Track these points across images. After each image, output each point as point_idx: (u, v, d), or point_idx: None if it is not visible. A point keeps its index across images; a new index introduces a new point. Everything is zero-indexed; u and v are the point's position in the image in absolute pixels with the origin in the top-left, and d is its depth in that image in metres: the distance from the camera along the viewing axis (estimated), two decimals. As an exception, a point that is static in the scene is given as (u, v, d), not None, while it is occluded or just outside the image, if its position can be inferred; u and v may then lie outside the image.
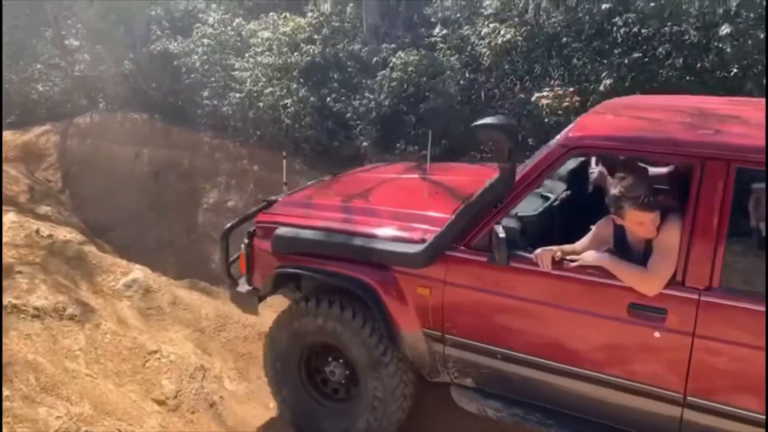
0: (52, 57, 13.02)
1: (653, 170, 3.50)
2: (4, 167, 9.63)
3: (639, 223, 2.84)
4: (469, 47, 7.94)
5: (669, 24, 5.99)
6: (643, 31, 6.20)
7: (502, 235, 3.02)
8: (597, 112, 3.55)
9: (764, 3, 5.46)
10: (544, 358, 3.17)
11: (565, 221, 3.56)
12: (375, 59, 8.74)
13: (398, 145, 7.92)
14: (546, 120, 6.55)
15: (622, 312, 2.90)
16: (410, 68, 7.85)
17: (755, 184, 2.72)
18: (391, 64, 8.04)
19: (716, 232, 2.70)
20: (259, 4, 11.37)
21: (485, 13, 7.65)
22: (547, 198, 3.62)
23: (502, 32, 7.26)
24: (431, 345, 3.49)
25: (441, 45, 8.15)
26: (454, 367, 3.51)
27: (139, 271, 5.69)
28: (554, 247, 3.04)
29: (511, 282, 3.17)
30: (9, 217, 5.91)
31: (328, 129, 8.60)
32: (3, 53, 11.34)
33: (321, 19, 9.81)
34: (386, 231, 3.54)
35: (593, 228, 3.13)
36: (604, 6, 6.41)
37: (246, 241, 4.03)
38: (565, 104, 6.53)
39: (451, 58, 7.93)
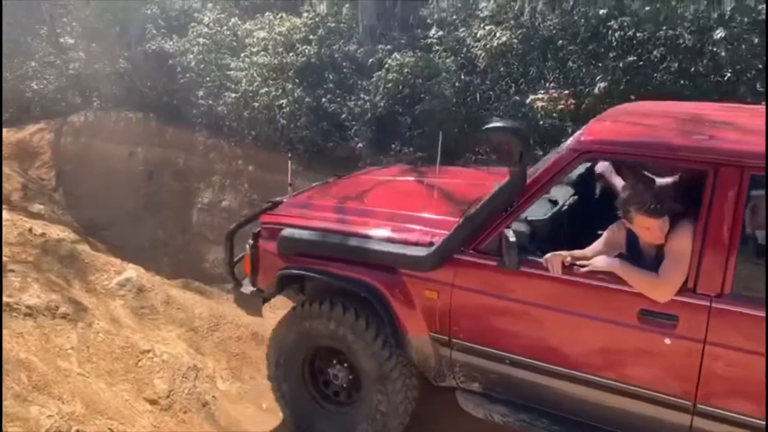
0: (47, 55, 13.00)
1: (659, 181, 3.51)
2: (-2, 165, 9.60)
3: (646, 228, 2.83)
4: (465, 49, 7.95)
5: (664, 28, 6.02)
6: (638, 34, 6.23)
7: (512, 239, 2.99)
8: (606, 118, 3.53)
9: (759, 8, 5.49)
10: (553, 363, 3.15)
11: (573, 226, 3.54)
12: (371, 60, 8.74)
13: (393, 146, 7.92)
14: (541, 122, 6.56)
15: (632, 318, 2.88)
16: (406, 70, 7.85)
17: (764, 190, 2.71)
18: (386, 66, 8.04)
19: (728, 238, 2.68)
20: (255, 4, 11.35)
21: (481, 15, 7.67)
22: (554, 202, 3.59)
23: (497, 35, 7.28)
24: (438, 349, 3.47)
25: (437, 47, 8.16)
26: (461, 371, 3.48)
27: (132, 271, 5.67)
28: (564, 252, 3.02)
29: (520, 286, 3.15)
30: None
31: (323, 130, 8.60)
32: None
33: (317, 19, 9.80)
34: (394, 233, 3.52)
35: (605, 232, 3.11)
36: (600, 10, 6.43)
37: (251, 241, 4.00)
38: (560, 107, 6.55)
39: (447, 60, 7.94)
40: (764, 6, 5.46)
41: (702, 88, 5.94)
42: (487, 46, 7.35)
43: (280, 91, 8.92)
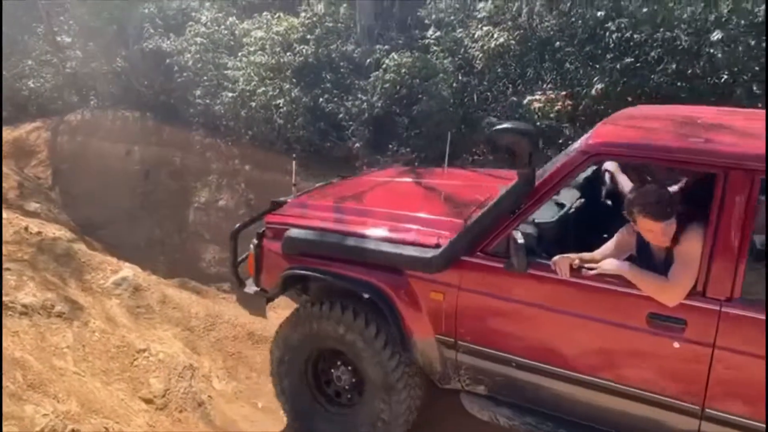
0: (44, 53, 12.95)
1: (667, 184, 3.50)
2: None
3: (649, 230, 2.83)
4: (463, 50, 7.95)
5: (661, 30, 6.03)
6: (635, 36, 6.23)
7: (521, 241, 2.98)
8: (614, 121, 3.52)
9: (755, 10, 5.51)
10: (559, 366, 3.14)
11: (580, 229, 3.54)
12: (368, 60, 8.74)
13: (390, 146, 7.92)
14: (538, 123, 6.57)
15: (641, 322, 2.87)
16: (403, 70, 7.85)
17: None
18: (384, 66, 8.04)
19: (738, 242, 2.68)
20: (253, 4, 11.33)
21: (479, 16, 7.68)
22: (561, 205, 3.59)
23: (495, 36, 7.28)
24: (443, 351, 3.46)
25: (434, 47, 8.16)
26: (466, 374, 3.47)
27: (128, 270, 5.67)
28: (572, 255, 3.01)
29: (527, 289, 3.13)
30: (-3, 214, 5.88)
31: (321, 129, 8.59)
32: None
33: (314, 19, 9.79)
34: (400, 235, 3.51)
35: (616, 235, 3.10)
36: (597, 12, 6.45)
37: (255, 241, 4.00)
38: (557, 108, 6.56)
39: (445, 61, 7.94)
40: (761, 8, 5.48)
41: (699, 90, 5.95)
42: (485, 47, 7.35)
43: (278, 90, 8.91)
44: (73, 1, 12.52)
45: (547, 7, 7.08)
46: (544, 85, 6.95)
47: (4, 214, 5.93)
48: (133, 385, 4.21)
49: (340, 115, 8.47)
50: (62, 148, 11.35)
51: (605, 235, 3.28)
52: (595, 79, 6.31)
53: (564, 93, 6.66)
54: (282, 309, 4.27)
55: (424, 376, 3.73)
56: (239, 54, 9.86)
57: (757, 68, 5.58)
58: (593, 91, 6.29)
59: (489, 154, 7.21)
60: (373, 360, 3.60)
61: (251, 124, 9.23)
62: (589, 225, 3.56)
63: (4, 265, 4.71)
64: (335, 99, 8.68)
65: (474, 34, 7.61)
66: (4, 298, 4.23)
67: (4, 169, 9.92)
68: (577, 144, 3.25)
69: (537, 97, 6.73)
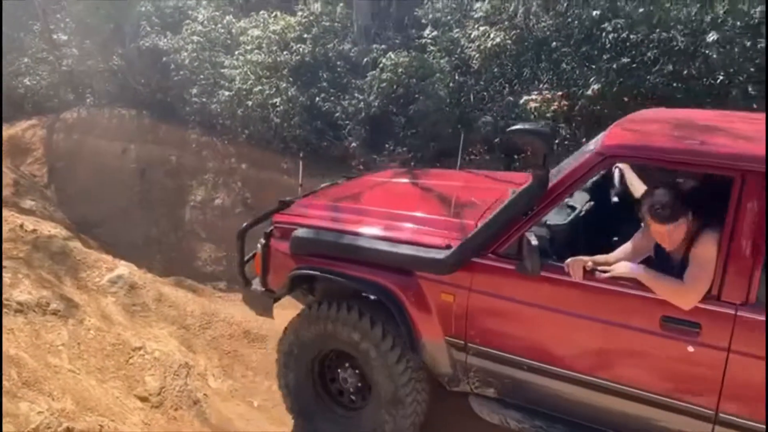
0: (40, 51, 12.93)
1: (681, 186, 3.49)
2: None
3: (656, 232, 2.84)
4: (459, 50, 7.97)
5: (657, 30, 6.04)
6: (631, 36, 6.25)
7: (534, 242, 2.95)
8: (627, 123, 3.49)
9: (751, 12, 5.52)
10: (571, 369, 3.12)
11: (590, 231, 3.53)
12: (365, 60, 8.75)
13: (387, 146, 7.93)
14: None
15: (654, 325, 2.85)
16: (400, 69, 7.86)
17: None
18: (381, 65, 8.05)
19: (754, 246, 2.66)
20: (250, 2, 11.33)
21: (475, 16, 7.69)
22: (571, 207, 3.57)
23: (491, 35, 7.29)
24: (453, 353, 3.44)
25: (431, 47, 8.17)
26: (476, 376, 3.45)
27: (124, 268, 5.66)
28: (585, 257, 2.99)
29: (539, 291, 3.11)
30: (-7, 211, 5.87)
31: (317, 129, 8.60)
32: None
33: (311, 18, 9.80)
34: (411, 235, 3.48)
35: (634, 237, 3.08)
36: (593, 12, 6.46)
37: (262, 241, 3.97)
38: (553, 108, 6.57)
39: (441, 61, 7.95)
40: (756, 10, 5.50)
41: (695, 91, 5.97)
42: (481, 47, 7.36)
43: (274, 89, 8.91)
44: (70, -1, 12.51)
45: (543, 8, 7.09)
46: (541, 85, 6.97)
47: (0, 212, 5.93)
48: (128, 383, 4.20)
49: (337, 114, 8.48)
50: (58, 146, 11.32)
51: (615, 238, 3.28)
52: (592, 79, 6.33)
53: (560, 93, 6.68)
54: (283, 308, 4.25)
55: (431, 384, 3.72)
56: (236, 52, 9.86)
57: (752, 69, 5.59)
58: (589, 91, 6.31)
59: (485, 153, 7.23)
60: (384, 372, 3.58)
61: (248, 123, 9.23)
62: (599, 227, 3.54)
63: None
64: (332, 98, 8.69)
65: (471, 34, 7.62)
66: (-1, 296, 4.22)
67: (0, 167, 9.90)
68: (592, 146, 3.23)
69: (533, 97, 6.74)
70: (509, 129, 3.16)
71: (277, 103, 8.74)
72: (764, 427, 2.71)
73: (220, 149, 9.73)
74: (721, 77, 5.71)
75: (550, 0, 7.08)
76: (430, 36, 8.24)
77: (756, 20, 5.51)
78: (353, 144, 8.19)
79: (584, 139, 6.24)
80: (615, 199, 3.87)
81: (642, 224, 2.99)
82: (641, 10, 6.10)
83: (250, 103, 9.03)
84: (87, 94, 12.07)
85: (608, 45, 6.42)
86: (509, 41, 7.27)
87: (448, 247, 3.29)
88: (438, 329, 3.41)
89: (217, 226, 9.08)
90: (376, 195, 4.33)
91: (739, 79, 5.68)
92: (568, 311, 3.06)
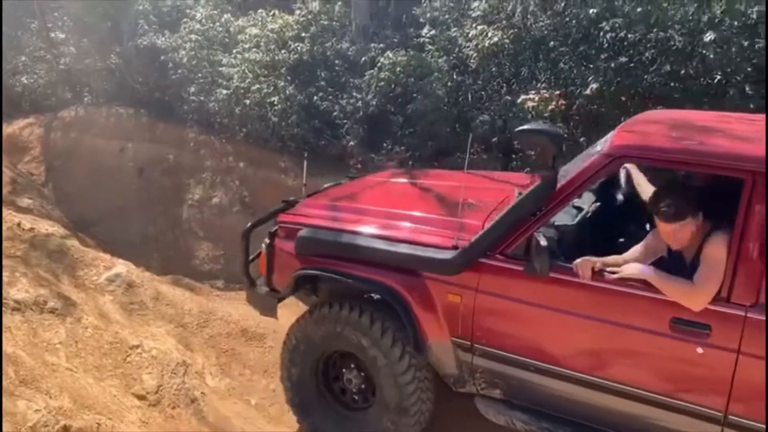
0: (38, 49, 12.90)
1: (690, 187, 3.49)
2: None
3: (663, 231, 2.84)
4: (457, 49, 7.97)
5: (655, 30, 6.05)
6: (629, 36, 6.26)
7: (544, 243, 2.94)
8: (635, 124, 3.48)
9: (748, 12, 5.53)
10: (579, 371, 3.11)
11: (597, 232, 3.52)
12: (363, 59, 8.74)
13: (384, 145, 7.93)
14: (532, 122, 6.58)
15: (663, 326, 2.85)
16: (398, 68, 7.85)
17: None
18: (379, 64, 8.04)
19: (764, 247, 2.66)
20: (248, 1, 11.31)
21: (473, 15, 7.68)
22: (578, 208, 3.57)
23: (489, 35, 7.29)
24: (459, 354, 3.43)
25: (429, 46, 8.17)
26: (482, 377, 3.45)
27: (122, 266, 5.67)
28: (594, 258, 2.99)
29: (548, 292, 3.11)
30: (-10, 210, 5.86)
31: (315, 127, 8.59)
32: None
33: (309, 17, 9.78)
34: (417, 236, 3.48)
35: (647, 237, 3.08)
36: (591, 11, 6.46)
37: (267, 241, 3.96)
38: (551, 107, 6.57)
39: (439, 60, 7.95)
40: (753, 10, 5.50)
41: (692, 91, 5.97)
42: (479, 46, 7.37)
43: (272, 88, 8.90)
44: (67, -3, 12.48)
45: (541, 7, 7.09)
46: (538, 85, 6.97)
47: (-3, 210, 5.93)
48: (125, 381, 4.20)
49: (335, 113, 8.48)
50: (55, 144, 11.30)
51: (622, 239, 3.28)
52: (590, 78, 6.34)
53: (558, 92, 6.68)
54: (285, 308, 4.25)
55: (437, 389, 3.72)
56: (234, 51, 9.85)
57: (749, 69, 5.61)
58: (588, 91, 6.31)
59: (483, 153, 7.23)
60: (391, 381, 3.58)
61: (245, 122, 9.23)
62: (606, 228, 3.54)
63: (-3, 261, 4.71)
64: (330, 97, 8.69)
65: (468, 33, 7.62)
66: (-3, 294, 4.22)
67: (-3, 166, 9.89)
68: (599, 146, 3.22)
69: (531, 96, 6.74)
70: (518, 129, 3.14)
71: (275, 102, 8.74)
72: None
73: (218, 148, 9.72)
74: (718, 77, 5.72)
75: (547, -1, 7.09)
76: (428, 35, 8.24)
77: (753, 20, 5.52)
78: (351, 143, 8.19)
79: (582, 139, 6.26)
80: (621, 199, 3.86)
81: (651, 225, 2.98)
82: (639, 9, 6.10)
83: (247, 101, 9.02)
84: (84, 92, 12.05)
85: (606, 44, 6.43)
86: (507, 40, 7.27)
87: (455, 247, 3.29)
88: (444, 330, 3.41)
89: (214, 225, 9.08)
90: (381, 195, 4.32)
91: (737, 78, 5.69)
92: (576, 312, 3.05)
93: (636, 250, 3.09)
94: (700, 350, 2.78)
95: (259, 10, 10.29)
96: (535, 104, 6.62)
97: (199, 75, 10.00)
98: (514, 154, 7.05)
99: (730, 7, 5.61)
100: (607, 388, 3.06)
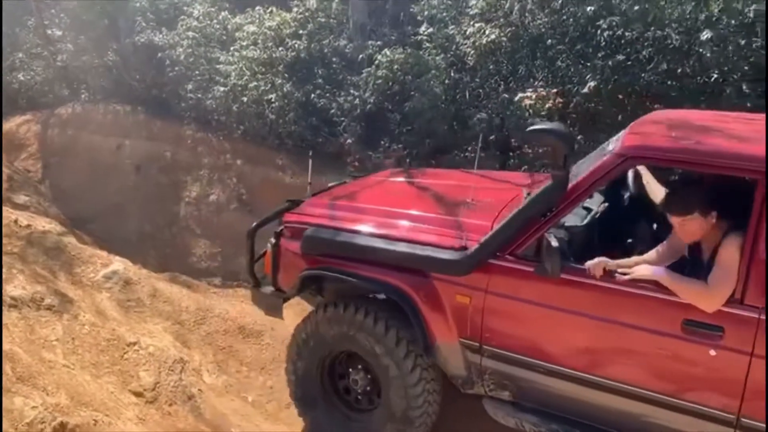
0: (35, 46, 12.86)
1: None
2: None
3: (673, 224, 2.84)
4: (455, 46, 7.96)
5: (652, 28, 6.04)
6: (626, 34, 6.25)
7: (555, 244, 2.92)
8: (645, 124, 3.46)
9: (745, 10, 5.53)
10: (589, 373, 3.10)
11: (606, 233, 3.51)
12: (360, 56, 8.74)
13: (382, 142, 7.93)
14: (529, 121, 6.58)
15: (676, 328, 2.83)
16: (395, 66, 7.85)
17: None
18: (376, 62, 8.04)
19: None
20: (245, -2, 11.31)
21: (471, 12, 7.68)
22: (586, 209, 3.55)
23: (487, 32, 7.29)
24: (467, 355, 3.42)
25: (427, 44, 8.17)
26: (491, 379, 3.43)
27: (119, 263, 5.67)
28: (608, 260, 2.98)
29: (558, 293, 3.09)
30: (-14, 207, 5.86)
31: (312, 125, 8.59)
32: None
33: (307, 14, 9.77)
34: (426, 236, 3.45)
35: (668, 237, 3.07)
36: (588, 9, 6.46)
37: (273, 240, 3.95)
38: (548, 105, 6.57)
39: (437, 57, 7.95)
40: (751, 8, 5.50)
41: (689, 89, 5.98)
42: (477, 44, 7.36)
43: (270, 85, 8.90)
44: (64, -6, 12.44)
45: (538, 5, 7.08)
46: (536, 83, 6.97)
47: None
48: (122, 378, 4.21)
49: (332, 111, 8.47)
50: (52, 141, 11.28)
51: (630, 240, 3.26)
52: (587, 76, 6.33)
53: (555, 90, 6.68)
54: (286, 308, 4.24)
55: (443, 397, 3.71)
56: (231, 48, 9.84)
57: (746, 68, 5.61)
58: (585, 89, 6.31)
59: (480, 151, 7.23)
60: (400, 392, 3.57)
61: (243, 119, 9.22)
62: (615, 229, 3.52)
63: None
64: (327, 94, 8.68)
65: (466, 31, 7.61)
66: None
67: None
68: (611, 146, 3.20)
69: (528, 94, 6.73)
70: (529, 129, 3.12)
71: (273, 100, 8.73)
72: None
73: (215, 145, 9.72)
74: (715, 75, 5.72)
75: (545, -3, 7.08)
76: (425, 33, 8.23)
77: (750, 19, 5.52)
78: (348, 141, 8.19)
79: (580, 137, 6.26)
80: (629, 199, 3.84)
81: (659, 226, 2.97)
82: (636, 7, 6.10)
83: (245, 99, 9.01)
84: (82, 89, 12.02)
85: (603, 43, 6.42)
86: (504, 38, 7.27)
87: (463, 248, 3.27)
88: (453, 331, 3.39)
89: (212, 222, 9.07)
90: (387, 195, 4.30)
91: (734, 77, 5.69)
92: (587, 314, 3.04)
93: (654, 252, 3.08)
94: (712, 352, 2.77)
95: (257, 8, 10.27)
96: (532, 102, 6.62)
97: (197, 72, 9.99)
98: (511, 152, 7.05)
99: (727, 5, 5.61)
100: (616, 390, 3.05)
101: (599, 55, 6.41)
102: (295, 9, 9.88)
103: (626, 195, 3.86)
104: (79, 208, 9.81)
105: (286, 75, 9.08)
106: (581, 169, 3.28)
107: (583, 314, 3.05)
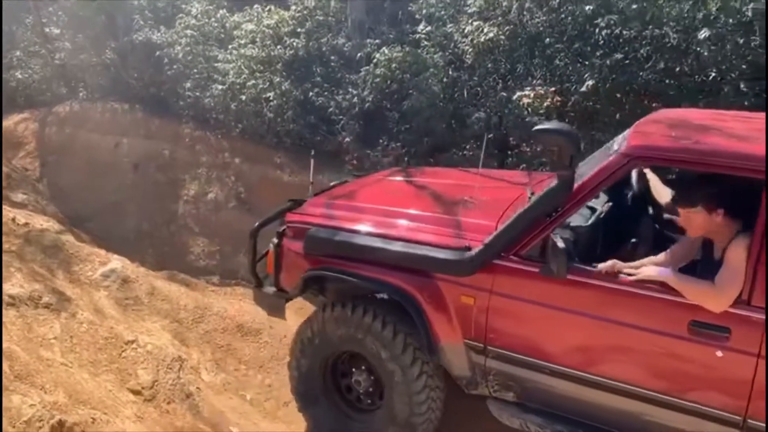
0: (32, 44, 12.86)
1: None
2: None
3: (681, 216, 2.85)
4: (453, 45, 7.96)
5: (650, 27, 6.04)
6: (624, 32, 6.25)
7: (561, 245, 2.90)
8: (650, 123, 3.43)
9: (743, 9, 5.53)
10: (595, 374, 3.08)
11: (610, 233, 3.49)
12: (359, 54, 8.74)
13: (380, 141, 7.93)
14: (527, 119, 6.59)
15: (682, 329, 2.82)
16: (394, 65, 7.85)
17: None
18: (374, 60, 8.04)
19: None
20: (243, -4, 11.30)
21: (469, 11, 7.67)
22: (590, 208, 3.52)
23: (485, 30, 7.28)
24: (472, 356, 3.40)
25: (425, 42, 8.17)
26: (495, 380, 3.41)
27: (117, 262, 5.66)
28: (617, 261, 2.97)
29: (563, 294, 3.07)
30: (-16, 205, 5.85)
31: (311, 123, 8.60)
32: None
33: (305, 12, 9.76)
34: (429, 237, 3.43)
35: (682, 239, 3.06)
36: (586, 8, 6.46)
37: (275, 240, 3.93)
38: (547, 104, 6.57)
39: (435, 56, 7.95)
40: (749, 7, 5.50)
41: (687, 88, 5.98)
42: (475, 42, 7.36)
43: (268, 84, 8.90)
44: (62, -8, 12.43)
45: (537, 3, 7.08)
46: (534, 81, 6.97)
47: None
48: (121, 377, 4.20)
49: (330, 109, 8.48)
50: (50, 139, 11.28)
51: (634, 239, 3.26)
52: (585, 75, 6.33)
53: (553, 89, 6.68)
54: (287, 306, 4.23)
55: (446, 393, 3.71)
56: (229, 47, 9.84)
57: (744, 66, 5.61)
58: (583, 88, 6.31)
59: (478, 149, 7.24)
60: (404, 398, 3.56)
61: (241, 117, 9.22)
62: (618, 228, 3.51)
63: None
64: (325, 93, 8.68)
65: (464, 29, 7.61)
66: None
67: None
68: (616, 146, 3.19)
69: (526, 92, 6.73)
70: (535, 128, 3.09)
71: (271, 98, 8.73)
72: None
73: (214, 143, 9.72)
74: (713, 74, 5.72)
75: (543, -4, 7.08)
76: (423, 31, 8.23)
77: (748, 17, 5.53)
78: (347, 139, 8.19)
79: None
80: (632, 198, 3.82)
81: (662, 226, 2.96)
82: (634, 6, 6.09)
83: (243, 97, 9.01)
84: (80, 87, 12.02)
85: (601, 41, 6.42)
86: (502, 36, 7.26)
87: (467, 248, 3.25)
88: (457, 332, 3.37)
89: (210, 221, 9.07)
90: (389, 194, 4.27)
91: (731, 76, 5.70)
92: (593, 314, 3.02)
93: (667, 253, 3.08)
94: (719, 353, 2.76)
95: (255, 6, 10.27)
96: (530, 101, 6.62)
97: (195, 71, 9.99)
98: (509, 150, 7.05)
99: (725, 4, 5.61)
100: (621, 391, 3.04)
101: (597, 53, 6.41)
102: (293, 7, 9.87)
103: (629, 193, 3.84)
104: (77, 206, 9.81)
105: (285, 73, 9.08)
106: (584, 169, 3.27)
107: (588, 315, 3.03)
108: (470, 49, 7.49)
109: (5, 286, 4.34)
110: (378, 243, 3.49)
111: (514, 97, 6.81)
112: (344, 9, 9.81)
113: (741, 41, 5.56)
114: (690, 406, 2.89)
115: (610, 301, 2.98)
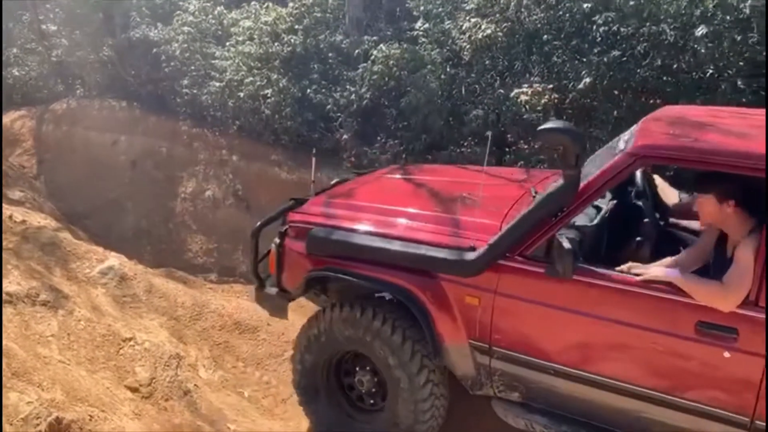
0: (29, 41, 12.84)
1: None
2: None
3: (698, 204, 2.88)
4: (451, 42, 7.96)
5: (647, 24, 6.05)
6: (622, 30, 6.26)
7: (567, 246, 2.88)
8: (655, 121, 3.41)
9: (740, 6, 5.54)
10: (601, 374, 3.07)
11: (614, 233, 3.48)
12: (356, 51, 8.73)
13: (378, 138, 7.93)
14: (525, 116, 6.59)
15: (689, 330, 2.81)
16: (391, 62, 7.84)
17: None
18: (372, 57, 8.03)
19: None
20: (241, -7, 11.28)
21: (467, 8, 7.67)
22: (595, 207, 3.52)
23: (483, 27, 7.28)
24: (476, 357, 3.39)
25: (423, 39, 8.16)
26: (500, 380, 3.40)
27: (114, 259, 5.66)
28: (635, 264, 2.97)
29: (569, 294, 3.06)
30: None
31: (308, 120, 8.58)
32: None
33: (303, 9, 9.74)
34: (433, 236, 3.41)
35: (699, 239, 3.06)
36: (584, 5, 6.46)
37: (277, 240, 3.90)
38: (544, 101, 6.57)
39: (433, 53, 7.94)
40: (746, 4, 5.51)
41: (684, 85, 5.99)
42: (472, 39, 7.35)
43: (265, 81, 8.88)
44: (59, -11, 12.40)
45: (534, 0, 7.08)
46: (532, 78, 6.96)
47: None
48: (118, 374, 4.20)
49: (328, 106, 8.46)
50: (47, 137, 11.26)
51: (638, 239, 3.26)
52: (583, 72, 6.34)
53: (551, 86, 6.68)
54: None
55: (450, 394, 3.70)
56: (227, 44, 9.82)
57: (742, 63, 5.62)
58: (581, 85, 6.31)
59: (476, 146, 7.24)
60: (409, 406, 3.55)
61: (238, 115, 9.21)
62: (623, 226, 3.48)
63: (-11, 254, 4.69)
64: (323, 90, 8.67)
65: (462, 26, 7.61)
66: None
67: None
68: (622, 145, 3.17)
69: (524, 89, 6.73)
70: (540, 128, 3.08)
71: (268, 95, 8.71)
72: None
73: (211, 141, 9.71)
74: (710, 71, 5.73)
75: (541, -7, 7.08)
76: (421, 28, 8.22)
77: (746, 14, 5.53)
78: (345, 136, 8.18)
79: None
80: (636, 197, 3.79)
81: (667, 225, 2.96)
82: (632, 3, 6.09)
83: (241, 94, 8.99)
84: (77, 85, 12.00)
85: (599, 38, 6.43)
86: (500, 33, 7.26)
87: (472, 248, 3.23)
88: (461, 332, 3.36)
89: (207, 218, 9.07)
90: (392, 193, 4.25)
91: (729, 72, 5.70)
92: (599, 315, 3.01)
93: (683, 255, 3.08)
94: (726, 354, 2.75)
95: (253, 3, 10.26)
96: (528, 98, 6.61)
97: (192, 68, 9.97)
98: (507, 147, 7.05)
99: (722, 1, 5.61)
100: (627, 392, 3.03)
101: (595, 50, 6.41)
102: (290, 4, 9.85)
103: (633, 191, 3.82)
104: (75, 203, 9.80)
105: (282, 70, 9.06)
106: (589, 168, 3.25)
107: (594, 316, 3.03)
108: (468, 46, 7.48)
109: (3, 284, 4.34)
110: (381, 243, 3.47)
111: (512, 95, 6.80)
112: (342, 6, 9.80)
113: (738, 38, 5.56)
114: (697, 407, 2.88)
115: (617, 301, 2.97)
